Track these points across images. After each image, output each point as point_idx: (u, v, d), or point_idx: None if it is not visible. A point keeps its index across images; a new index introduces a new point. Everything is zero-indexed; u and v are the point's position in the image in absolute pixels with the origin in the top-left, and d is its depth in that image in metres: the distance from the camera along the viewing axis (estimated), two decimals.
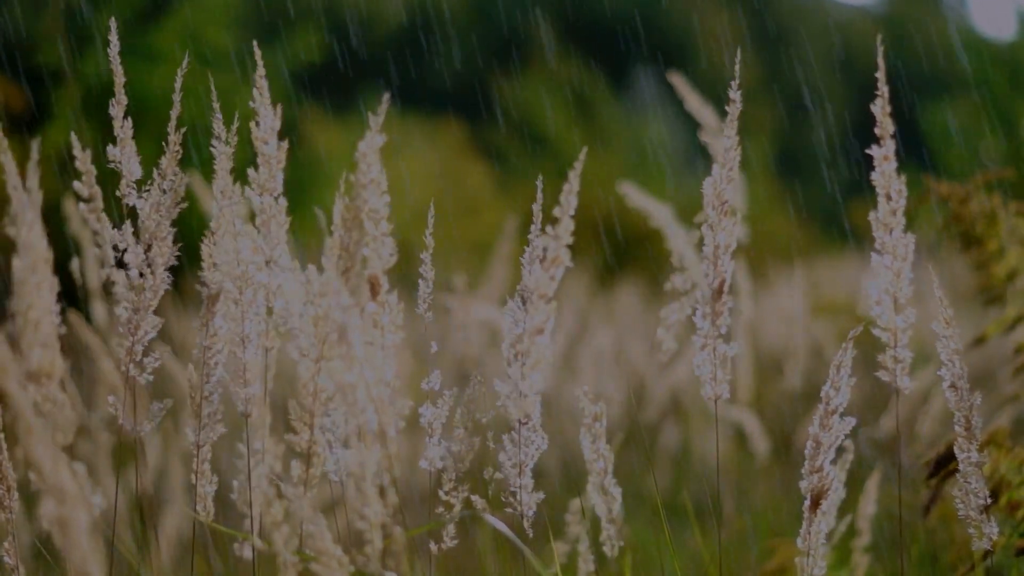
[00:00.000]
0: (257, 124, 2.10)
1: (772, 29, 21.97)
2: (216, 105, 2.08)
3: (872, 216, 2.10)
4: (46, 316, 2.34)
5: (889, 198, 2.10)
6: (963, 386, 2.08)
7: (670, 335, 2.51)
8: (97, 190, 2.26)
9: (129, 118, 2.11)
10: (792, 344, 4.89)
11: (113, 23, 2.11)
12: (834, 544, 2.93)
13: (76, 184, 2.29)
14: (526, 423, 2.04)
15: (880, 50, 2.10)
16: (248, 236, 2.08)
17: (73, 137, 2.26)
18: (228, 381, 2.08)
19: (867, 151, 2.10)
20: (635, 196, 3.42)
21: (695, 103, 3.85)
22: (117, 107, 2.08)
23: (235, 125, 2.10)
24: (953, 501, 2.21)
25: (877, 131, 2.09)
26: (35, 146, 2.39)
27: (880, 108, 2.08)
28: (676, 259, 2.66)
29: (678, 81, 3.87)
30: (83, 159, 2.27)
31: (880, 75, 2.07)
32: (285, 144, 2.11)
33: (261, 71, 2.09)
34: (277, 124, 2.11)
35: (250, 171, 2.09)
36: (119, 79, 2.09)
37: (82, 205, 2.27)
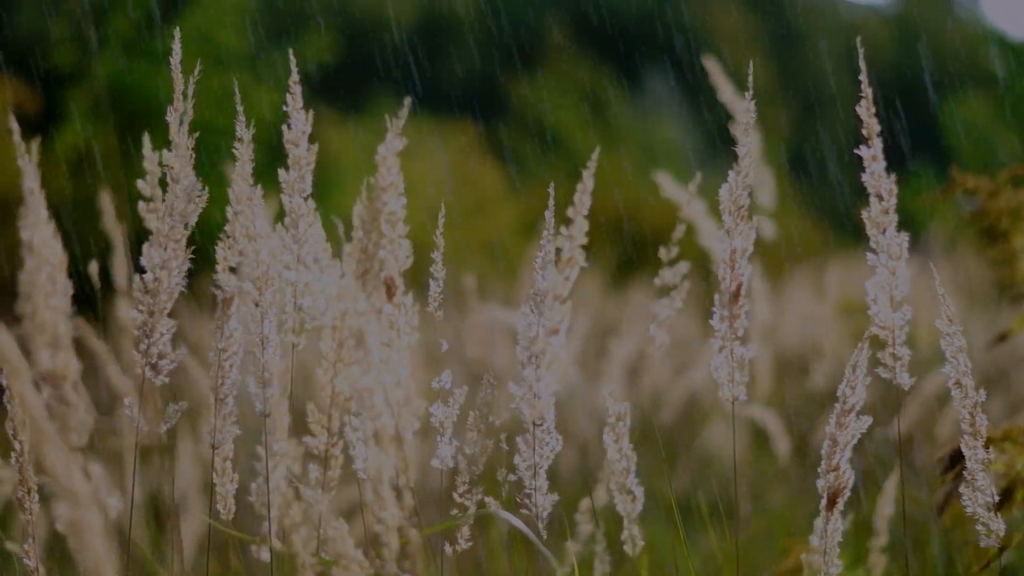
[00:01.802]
0: (288, 127, 2.11)
1: (785, 29, 21.94)
2: (240, 108, 2.09)
3: (865, 215, 2.11)
4: (60, 318, 2.35)
5: (880, 198, 2.12)
6: (968, 383, 2.09)
7: (662, 331, 2.52)
8: (159, 191, 2.27)
9: (185, 126, 2.11)
10: (808, 344, 4.88)
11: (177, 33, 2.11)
12: (844, 543, 2.92)
13: (139, 183, 2.32)
14: (540, 425, 2.04)
15: (862, 52, 2.13)
16: (277, 236, 2.09)
17: (146, 138, 2.29)
18: (246, 382, 2.09)
19: (856, 151, 2.11)
20: (668, 186, 3.42)
21: (729, 92, 3.84)
22: (174, 113, 2.08)
23: (251, 129, 2.11)
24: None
25: (864, 132, 2.11)
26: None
27: (865, 109, 2.10)
28: (665, 254, 2.65)
29: (712, 67, 3.85)
30: (151, 159, 2.30)
31: (863, 77, 2.09)
32: (315, 147, 2.11)
33: (295, 76, 2.10)
34: (308, 128, 2.12)
35: (280, 172, 2.10)
36: (178, 86, 2.08)
37: (141, 204, 2.30)
